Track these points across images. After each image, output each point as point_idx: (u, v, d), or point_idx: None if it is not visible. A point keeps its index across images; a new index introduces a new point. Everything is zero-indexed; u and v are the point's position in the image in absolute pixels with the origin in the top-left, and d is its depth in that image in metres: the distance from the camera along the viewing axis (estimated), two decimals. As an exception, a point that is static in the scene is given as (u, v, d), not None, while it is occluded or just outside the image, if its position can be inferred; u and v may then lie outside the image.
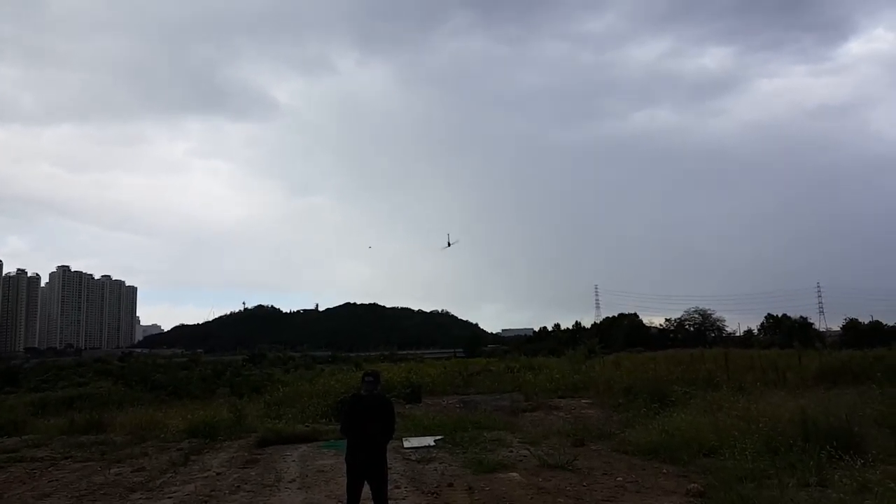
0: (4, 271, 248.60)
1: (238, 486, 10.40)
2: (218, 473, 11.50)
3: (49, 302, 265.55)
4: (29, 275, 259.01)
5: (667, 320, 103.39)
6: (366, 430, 7.33)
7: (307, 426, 17.54)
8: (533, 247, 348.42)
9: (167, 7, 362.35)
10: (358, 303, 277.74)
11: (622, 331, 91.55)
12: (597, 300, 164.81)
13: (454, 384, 32.11)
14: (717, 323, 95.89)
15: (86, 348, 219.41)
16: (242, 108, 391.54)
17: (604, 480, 10.19)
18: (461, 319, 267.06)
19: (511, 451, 13.28)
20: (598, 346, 46.99)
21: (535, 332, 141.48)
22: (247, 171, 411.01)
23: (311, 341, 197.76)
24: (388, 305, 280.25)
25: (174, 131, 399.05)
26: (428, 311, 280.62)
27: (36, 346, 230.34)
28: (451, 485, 10.61)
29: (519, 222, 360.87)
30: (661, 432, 12.43)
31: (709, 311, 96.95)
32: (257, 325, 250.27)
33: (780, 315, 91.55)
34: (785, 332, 75.75)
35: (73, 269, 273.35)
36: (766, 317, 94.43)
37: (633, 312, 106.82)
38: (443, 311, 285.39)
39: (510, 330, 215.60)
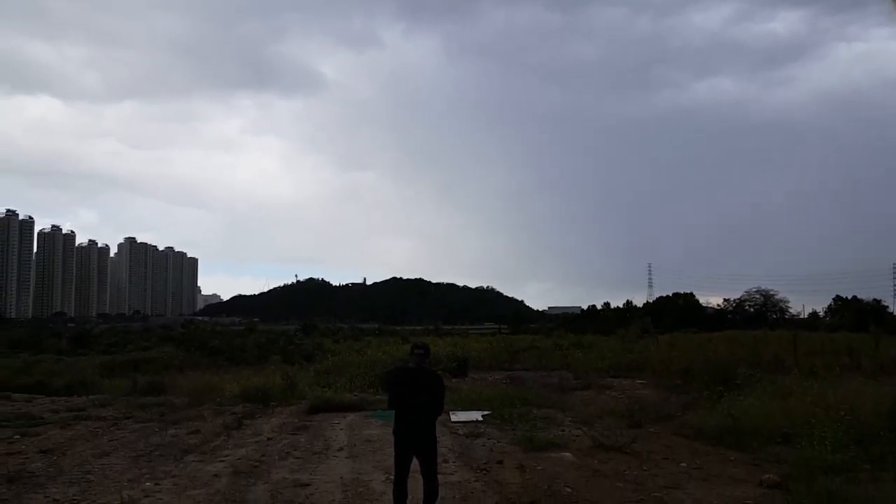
0: (77, 242, 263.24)
1: (288, 453, 10.38)
2: (269, 439, 11.54)
3: (118, 271, 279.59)
4: (99, 245, 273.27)
5: (725, 300, 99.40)
6: (415, 403, 7.03)
7: (355, 395, 17.53)
8: (584, 224, 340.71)
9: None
10: (404, 277, 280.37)
11: (676, 310, 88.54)
12: (650, 279, 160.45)
13: (500, 359, 31.75)
14: (781, 304, 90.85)
15: (152, 315, 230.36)
16: (291, 84, 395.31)
17: (665, 465, 9.60)
18: (506, 296, 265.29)
19: (563, 430, 12.80)
20: (651, 326, 45.76)
21: (582, 310, 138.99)
22: (297, 146, 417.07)
23: (358, 314, 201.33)
24: (433, 281, 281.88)
25: (228, 108, 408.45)
26: (473, 287, 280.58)
27: (107, 311, 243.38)
28: (500, 462, 10.27)
29: (569, 198, 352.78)
30: (727, 416, 11.65)
31: (771, 292, 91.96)
32: (309, 297, 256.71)
33: (849, 297, 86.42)
34: (855, 315, 71.41)
35: (138, 241, 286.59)
36: (833, 298, 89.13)
37: (688, 292, 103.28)
38: (488, 287, 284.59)
39: (556, 308, 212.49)
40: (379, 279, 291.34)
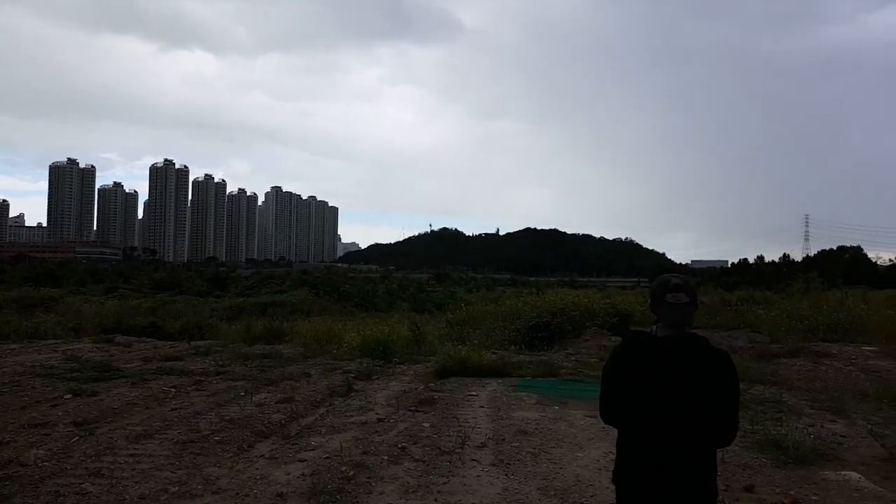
0: (228, 190, 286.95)
1: (403, 448, 6.83)
2: (380, 420, 8.12)
3: (265, 219, 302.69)
4: (248, 194, 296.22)
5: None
6: (675, 420, 2.92)
7: (494, 353, 14.10)
8: (734, 172, 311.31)
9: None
10: (538, 228, 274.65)
11: (841, 265, 76.91)
12: (806, 232, 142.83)
13: (658, 316, 26.55)
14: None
15: (296, 261, 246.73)
16: (428, 31, 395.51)
17: None
18: (646, 248, 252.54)
19: (812, 425, 8.21)
20: (819, 282, 38.40)
21: (733, 264, 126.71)
22: (435, 96, 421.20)
23: (491, 265, 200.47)
24: (569, 232, 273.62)
25: (367, 58, 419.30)
26: (611, 238, 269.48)
27: (255, 257, 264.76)
28: (750, 489, 6.05)
29: (720, 144, 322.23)
30: None
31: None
32: (442, 247, 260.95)
33: None
34: None
35: (284, 190, 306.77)
36: None
37: (856, 245, 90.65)
38: (627, 239, 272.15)
39: (701, 261, 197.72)
40: (513, 230, 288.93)
